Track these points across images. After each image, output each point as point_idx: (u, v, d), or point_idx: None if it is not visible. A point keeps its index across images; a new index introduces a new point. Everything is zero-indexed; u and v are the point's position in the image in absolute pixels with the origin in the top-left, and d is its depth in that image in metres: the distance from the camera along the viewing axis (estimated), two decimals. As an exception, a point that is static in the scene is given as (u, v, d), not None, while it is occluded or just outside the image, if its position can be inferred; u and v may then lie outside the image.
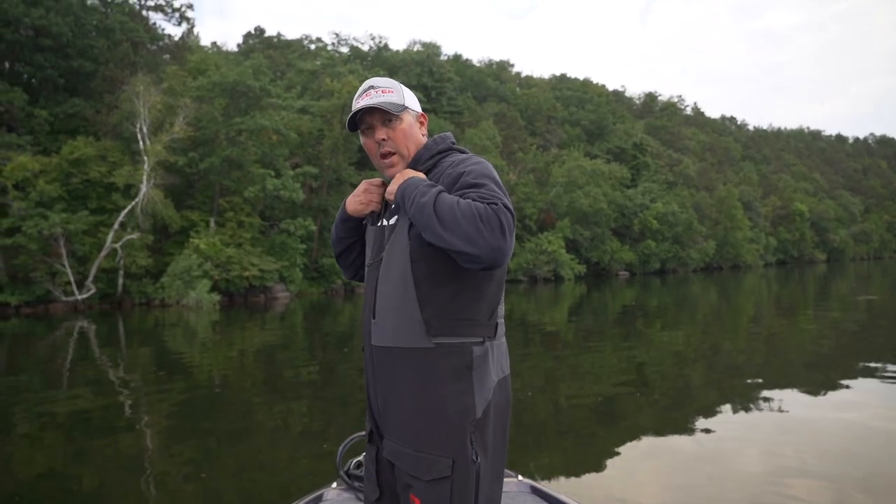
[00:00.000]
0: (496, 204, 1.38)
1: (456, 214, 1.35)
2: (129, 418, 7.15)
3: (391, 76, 44.26)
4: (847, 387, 7.56)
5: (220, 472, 5.15)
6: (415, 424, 1.48)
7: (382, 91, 1.59)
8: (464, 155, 1.62)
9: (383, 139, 1.59)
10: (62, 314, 23.31)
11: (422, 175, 1.54)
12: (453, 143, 1.67)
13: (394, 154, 1.59)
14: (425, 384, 1.48)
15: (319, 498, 2.67)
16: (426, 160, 1.61)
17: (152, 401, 8.10)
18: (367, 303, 1.60)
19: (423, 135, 1.66)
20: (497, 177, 1.52)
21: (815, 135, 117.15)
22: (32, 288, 24.22)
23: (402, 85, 1.65)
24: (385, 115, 1.59)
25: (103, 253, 25.02)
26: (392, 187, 1.55)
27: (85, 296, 24.65)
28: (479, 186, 1.44)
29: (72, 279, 24.30)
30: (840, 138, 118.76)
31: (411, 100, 1.64)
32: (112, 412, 7.46)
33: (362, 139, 1.65)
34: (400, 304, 1.50)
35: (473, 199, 1.40)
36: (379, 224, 1.65)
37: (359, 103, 1.59)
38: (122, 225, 25.63)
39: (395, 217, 1.59)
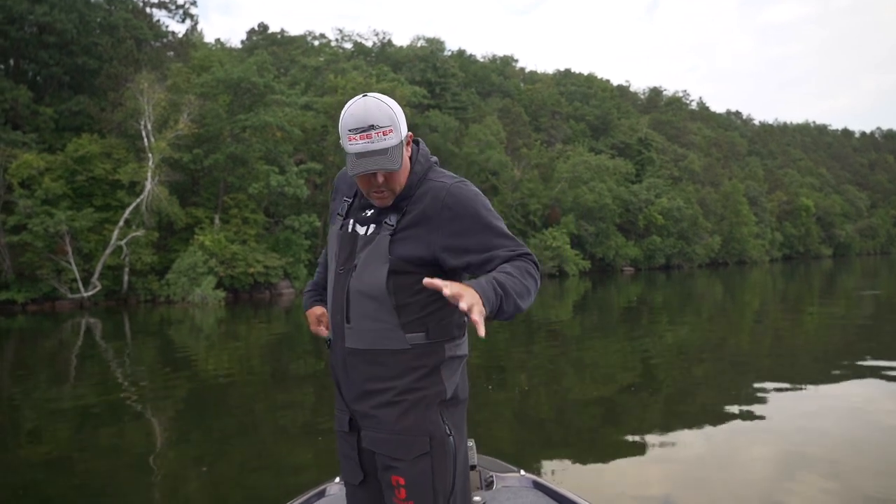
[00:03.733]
0: (530, 258, 1.54)
1: (530, 294, 1.47)
2: (136, 413, 7.18)
3: (394, 72, 44.15)
4: (854, 382, 7.52)
5: (225, 467, 5.17)
6: (392, 414, 1.57)
7: (384, 133, 1.49)
8: (448, 180, 1.59)
9: (381, 182, 1.56)
10: (68, 311, 23.42)
11: (477, 294, 1.34)
12: (435, 162, 1.69)
13: (386, 190, 1.58)
14: (401, 380, 1.57)
15: (322, 493, 2.68)
16: (415, 185, 1.61)
17: (158, 396, 8.14)
18: (336, 306, 1.63)
19: (408, 156, 1.62)
20: (488, 204, 1.59)
21: (822, 129, 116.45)
22: (38, 285, 24.35)
23: (394, 109, 1.53)
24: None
25: (108, 250, 25.12)
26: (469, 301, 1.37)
27: (90, 293, 24.75)
28: (505, 238, 1.56)
29: (77, 276, 24.40)
30: (846, 133, 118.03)
31: (403, 125, 1.55)
32: (118, 407, 7.49)
33: (356, 178, 1.58)
34: (377, 311, 1.57)
35: (509, 257, 1.52)
36: (348, 230, 1.67)
37: (359, 148, 1.49)
38: (128, 222, 25.72)
39: (370, 227, 1.62)
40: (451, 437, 1.61)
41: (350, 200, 1.73)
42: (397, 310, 1.56)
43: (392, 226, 1.58)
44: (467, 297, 1.27)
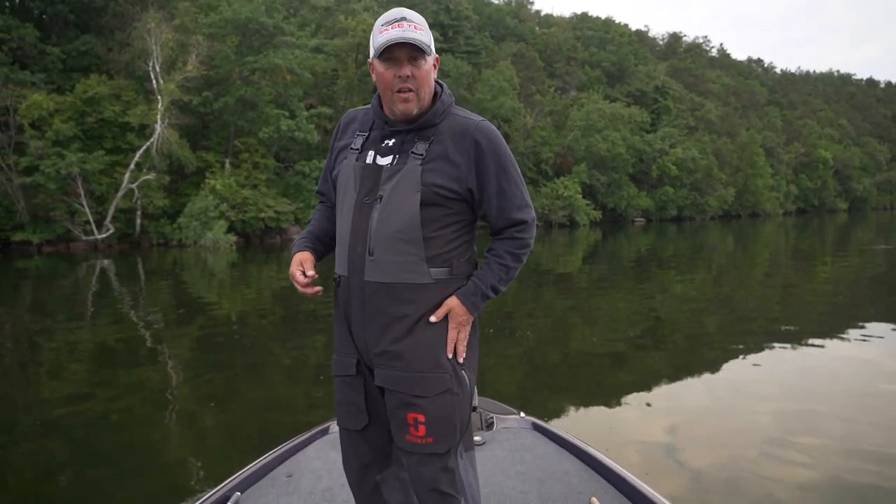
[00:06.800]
0: (523, 238, 1.66)
1: (514, 275, 1.68)
2: (151, 352, 7.36)
3: (407, 14, 42.99)
4: (863, 337, 7.55)
5: (237, 404, 5.33)
6: (416, 350, 1.58)
7: (415, 27, 1.56)
8: (474, 117, 1.65)
9: (408, 76, 1.56)
10: (82, 253, 23.74)
11: (461, 307, 1.61)
12: (451, 97, 1.71)
13: (412, 91, 1.59)
14: (424, 315, 1.58)
15: (326, 430, 2.79)
16: (441, 113, 1.62)
17: (172, 337, 8.33)
18: (356, 238, 1.60)
19: (434, 79, 1.66)
20: (509, 150, 1.66)
21: (845, 79, 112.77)
22: (53, 226, 24.59)
23: (425, 23, 1.63)
24: (414, 52, 1.56)
25: (120, 193, 25.22)
26: (456, 322, 1.62)
27: (104, 235, 25.01)
28: (517, 193, 1.65)
29: (90, 219, 24.60)
30: (871, 83, 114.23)
31: (432, 42, 1.62)
32: (134, 347, 7.69)
33: (381, 68, 1.58)
34: (403, 243, 1.56)
35: (505, 227, 1.65)
36: (367, 161, 1.64)
37: (391, 33, 1.54)
38: (138, 165, 25.69)
39: (395, 158, 1.61)
40: (466, 374, 1.64)
41: (366, 134, 1.69)
42: (425, 242, 1.56)
43: (421, 155, 1.58)
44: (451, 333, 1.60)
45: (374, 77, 1.63)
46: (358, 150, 1.67)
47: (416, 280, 1.57)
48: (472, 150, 1.59)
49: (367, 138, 1.68)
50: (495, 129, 1.65)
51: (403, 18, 1.56)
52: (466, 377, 1.64)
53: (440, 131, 1.61)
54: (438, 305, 1.60)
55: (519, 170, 1.67)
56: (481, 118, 1.66)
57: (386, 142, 1.64)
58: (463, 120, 1.63)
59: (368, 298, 1.59)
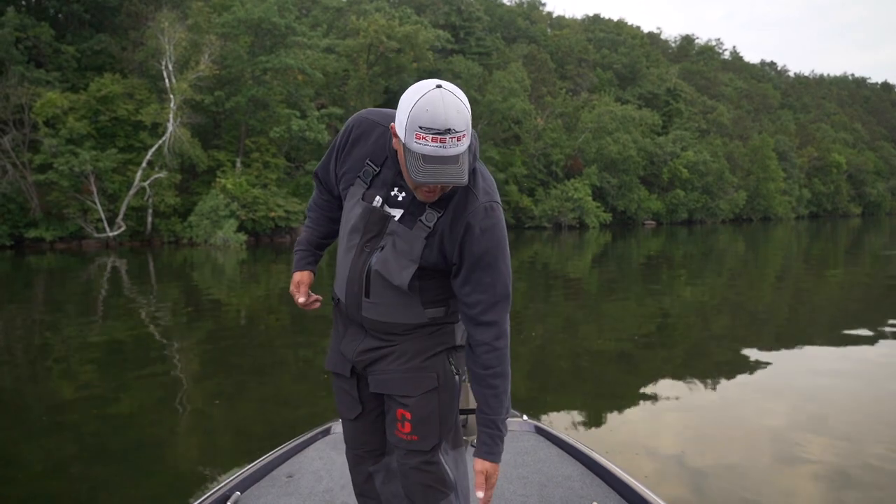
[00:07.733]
0: (503, 350, 1.58)
1: (507, 396, 1.60)
2: (160, 350, 7.42)
3: (417, 15, 43.01)
4: (873, 343, 7.47)
5: (245, 403, 5.35)
6: (404, 351, 1.64)
7: (458, 139, 1.36)
8: (483, 197, 1.53)
9: (440, 188, 1.48)
10: (94, 250, 23.96)
11: (493, 466, 1.59)
12: (475, 158, 1.54)
13: (435, 192, 1.49)
14: (418, 343, 1.65)
15: (328, 431, 2.80)
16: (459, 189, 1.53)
17: (181, 335, 8.38)
18: (353, 278, 1.60)
19: None
20: (507, 251, 1.56)
21: (860, 82, 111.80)
22: (66, 224, 24.83)
23: (469, 108, 1.40)
24: None
25: (132, 191, 25.43)
26: (487, 481, 1.58)
27: (116, 233, 25.21)
28: (501, 302, 1.55)
29: (103, 216, 24.82)
30: (886, 86, 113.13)
31: (470, 124, 1.42)
32: (143, 344, 7.74)
33: (407, 170, 1.44)
34: (400, 292, 1.59)
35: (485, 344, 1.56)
36: (374, 203, 1.56)
37: (428, 149, 1.34)
38: (150, 164, 25.89)
39: (401, 213, 1.55)
40: (457, 377, 1.69)
41: (377, 170, 1.58)
42: (420, 290, 1.60)
43: (429, 227, 1.52)
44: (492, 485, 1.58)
45: (394, 143, 1.49)
46: (366, 186, 1.59)
47: (412, 320, 1.62)
48: (462, 231, 1.51)
49: (377, 174, 1.59)
50: (496, 214, 1.53)
51: (447, 130, 1.34)
52: (455, 378, 1.69)
53: (455, 203, 1.52)
54: (433, 335, 1.65)
55: (508, 261, 1.57)
56: (488, 199, 1.53)
57: (396, 192, 1.56)
58: (470, 197, 1.52)
59: (366, 327, 1.66)
